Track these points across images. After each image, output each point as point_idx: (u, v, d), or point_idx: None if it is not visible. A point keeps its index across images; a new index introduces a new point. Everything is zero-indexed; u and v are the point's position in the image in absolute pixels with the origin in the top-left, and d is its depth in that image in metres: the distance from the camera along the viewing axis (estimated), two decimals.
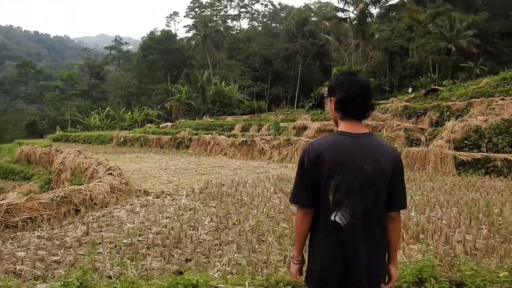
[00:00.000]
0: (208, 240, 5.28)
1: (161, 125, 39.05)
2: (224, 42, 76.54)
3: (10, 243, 5.17)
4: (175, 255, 4.71)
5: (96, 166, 10.47)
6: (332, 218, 1.99)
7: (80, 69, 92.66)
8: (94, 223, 6.09)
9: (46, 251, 4.74)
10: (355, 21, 38.39)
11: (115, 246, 4.89)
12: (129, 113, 54.62)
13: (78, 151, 17.05)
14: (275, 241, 5.29)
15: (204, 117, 44.19)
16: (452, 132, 16.64)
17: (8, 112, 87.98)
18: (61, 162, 12.97)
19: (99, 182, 7.90)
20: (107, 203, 7.28)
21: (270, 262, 4.49)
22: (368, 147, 2.02)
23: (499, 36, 49.91)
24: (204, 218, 6.52)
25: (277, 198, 8.38)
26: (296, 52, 62.34)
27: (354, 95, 2.04)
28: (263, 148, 18.14)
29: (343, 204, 1.98)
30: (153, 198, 8.30)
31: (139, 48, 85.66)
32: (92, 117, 55.90)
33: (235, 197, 8.43)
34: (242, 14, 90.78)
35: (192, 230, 5.80)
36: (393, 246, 2.15)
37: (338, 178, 1.97)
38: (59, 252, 4.75)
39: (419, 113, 21.32)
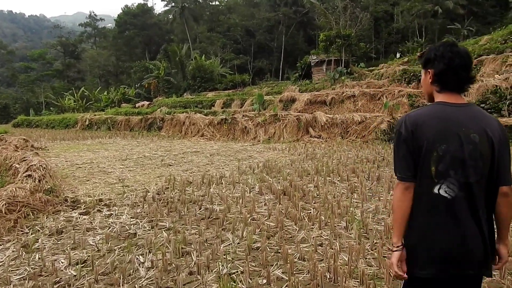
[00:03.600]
0: None
1: (137, 105, 36.12)
2: (204, 14, 72.56)
3: None
4: None
5: (18, 164, 7.69)
6: (436, 191, 1.80)
7: (52, 48, 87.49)
8: None
9: None
10: None
11: None
12: (105, 93, 51.29)
13: (24, 139, 14.22)
14: None
15: (185, 94, 41.59)
16: (465, 95, 14.19)
17: None
18: None
19: None
20: None
21: None
22: (472, 115, 1.85)
23: None
24: (142, 260, 3.87)
25: (265, 204, 5.75)
26: (279, 22, 58.96)
27: (456, 67, 1.86)
28: (246, 127, 15.42)
29: (448, 175, 1.79)
30: (79, 214, 5.59)
31: (115, 24, 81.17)
32: (67, 99, 52.42)
33: (203, 205, 5.77)
34: None
35: None
36: (504, 224, 1.91)
37: (441, 148, 1.79)
38: None
39: (420, 77, 18.72)
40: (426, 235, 1.82)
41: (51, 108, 56.17)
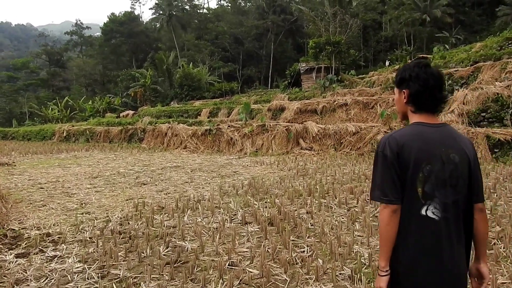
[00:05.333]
0: None
1: (121, 114, 34.96)
2: (191, 22, 71.70)
3: None
4: None
5: None
6: (423, 212, 1.78)
7: (37, 57, 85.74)
8: None
9: None
10: None
11: None
12: (90, 102, 49.88)
13: None
14: None
15: (172, 102, 40.66)
16: (464, 104, 13.37)
17: None
18: None
19: None
20: None
21: None
22: (449, 135, 1.89)
23: (470, 5, 47.91)
24: None
25: (248, 239, 4.67)
26: (267, 29, 58.28)
27: (431, 88, 1.88)
28: (232, 138, 14.35)
29: (434, 196, 1.78)
30: (15, 256, 4.47)
31: (101, 32, 79.91)
32: (50, 109, 50.88)
33: (171, 242, 4.69)
34: None
35: None
36: (482, 241, 1.91)
37: (426, 169, 1.78)
38: None
39: None
40: (418, 257, 1.78)
41: (34, 118, 54.75)
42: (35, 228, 5.57)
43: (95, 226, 5.50)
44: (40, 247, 4.74)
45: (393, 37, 50.27)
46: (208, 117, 22.04)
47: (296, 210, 5.80)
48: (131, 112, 35.34)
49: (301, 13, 46.50)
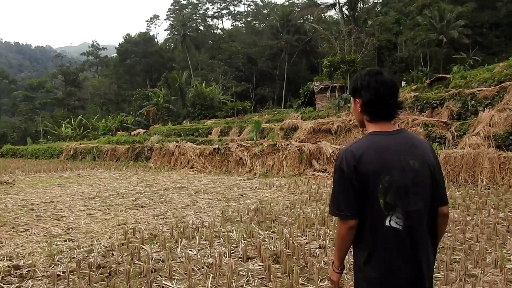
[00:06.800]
0: None
1: (132, 133, 34.74)
2: (205, 42, 72.19)
3: None
4: None
5: None
6: (387, 223, 1.78)
7: (53, 77, 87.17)
8: None
9: None
10: (345, 6, 34.23)
11: None
12: (103, 121, 50.00)
13: None
14: None
15: (184, 121, 40.52)
16: (490, 126, 12.44)
17: None
18: None
19: None
20: None
21: None
22: (406, 142, 1.86)
23: (488, 27, 47.26)
24: None
25: (247, 281, 3.86)
26: (281, 49, 58.14)
27: (382, 96, 1.87)
28: (241, 158, 13.60)
29: (396, 205, 1.77)
30: None
31: (116, 52, 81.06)
32: (64, 127, 51.11)
33: (154, 283, 3.88)
34: (224, 15, 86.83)
35: None
36: (438, 239, 1.94)
37: (386, 180, 1.76)
38: None
39: (434, 105, 17.35)
40: (385, 268, 1.77)
41: (48, 136, 55.18)
42: (7, 258, 4.84)
43: (73, 258, 4.75)
44: (2, 284, 4.01)
45: (408, 58, 49.72)
46: (218, 136, 21.44)
47: (307, 243, 4.98)
48: (142, 130, 35.17)
49: (315, 33, 46.27)
